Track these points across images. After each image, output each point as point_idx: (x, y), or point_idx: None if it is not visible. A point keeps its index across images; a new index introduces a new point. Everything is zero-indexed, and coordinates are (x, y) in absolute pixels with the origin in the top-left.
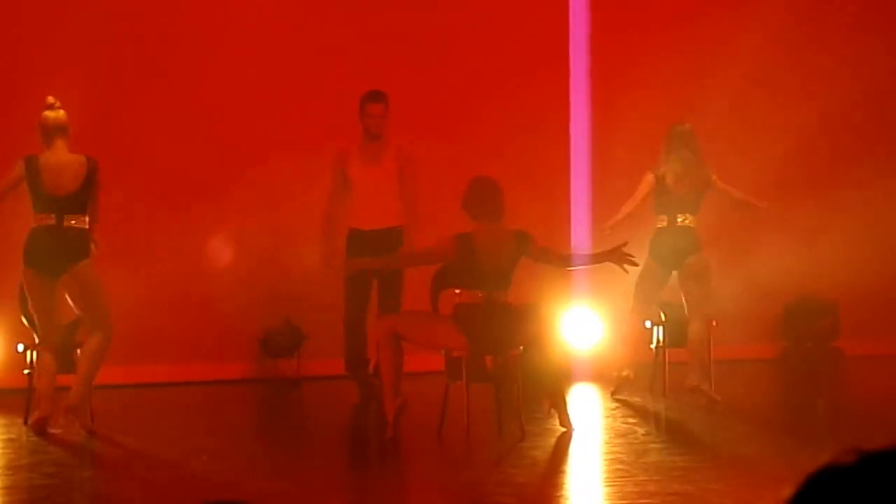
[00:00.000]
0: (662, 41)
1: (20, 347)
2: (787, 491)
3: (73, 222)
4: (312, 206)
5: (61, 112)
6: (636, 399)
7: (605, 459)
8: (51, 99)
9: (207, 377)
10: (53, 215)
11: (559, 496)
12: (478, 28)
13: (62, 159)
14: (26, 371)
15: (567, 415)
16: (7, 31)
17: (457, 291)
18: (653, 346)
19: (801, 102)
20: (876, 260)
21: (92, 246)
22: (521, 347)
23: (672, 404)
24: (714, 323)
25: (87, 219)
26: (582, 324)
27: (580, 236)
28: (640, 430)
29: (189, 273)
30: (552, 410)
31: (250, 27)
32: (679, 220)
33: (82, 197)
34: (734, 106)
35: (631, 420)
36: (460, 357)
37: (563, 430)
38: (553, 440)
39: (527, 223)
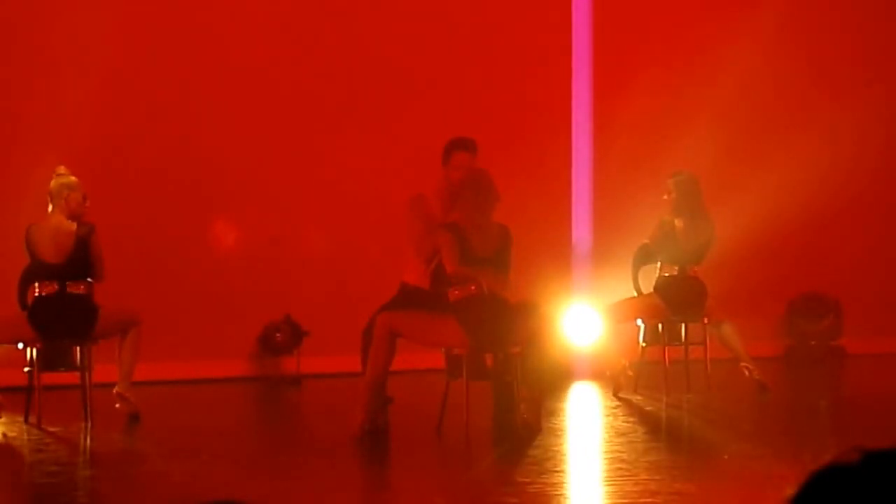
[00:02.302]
0: (665, 38)
1: (20, 345)
2: (790, 490)
3: (74, 289)
4: (311, 203)
5: (64, 180)
6: (637, 397)
7: (606, 458)
8: (60, 169)
9: (206, 375)
10: (55, 283)
11: (559, 496)
12: (479, 23)
13: (51, 227)
14: (26, 369)
15: (540, 414)
16: (19, 36)
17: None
18: (642, 343)
19: (804, 103)
20: (879, 258)
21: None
22: (521, 345)
23: (673, 403)
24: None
25: (89, 283)
26: (582, 321)
27: (581, 231)
28: (642, 429)
29: (187, 269)
30: (525, 406)
31: (241, 28)
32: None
33: (78, 263)
34: (737, 102)
35: (632, 419)
36: (461, 354)
37: (530, 427)
38: (553, 439)
39: (528, 219)
